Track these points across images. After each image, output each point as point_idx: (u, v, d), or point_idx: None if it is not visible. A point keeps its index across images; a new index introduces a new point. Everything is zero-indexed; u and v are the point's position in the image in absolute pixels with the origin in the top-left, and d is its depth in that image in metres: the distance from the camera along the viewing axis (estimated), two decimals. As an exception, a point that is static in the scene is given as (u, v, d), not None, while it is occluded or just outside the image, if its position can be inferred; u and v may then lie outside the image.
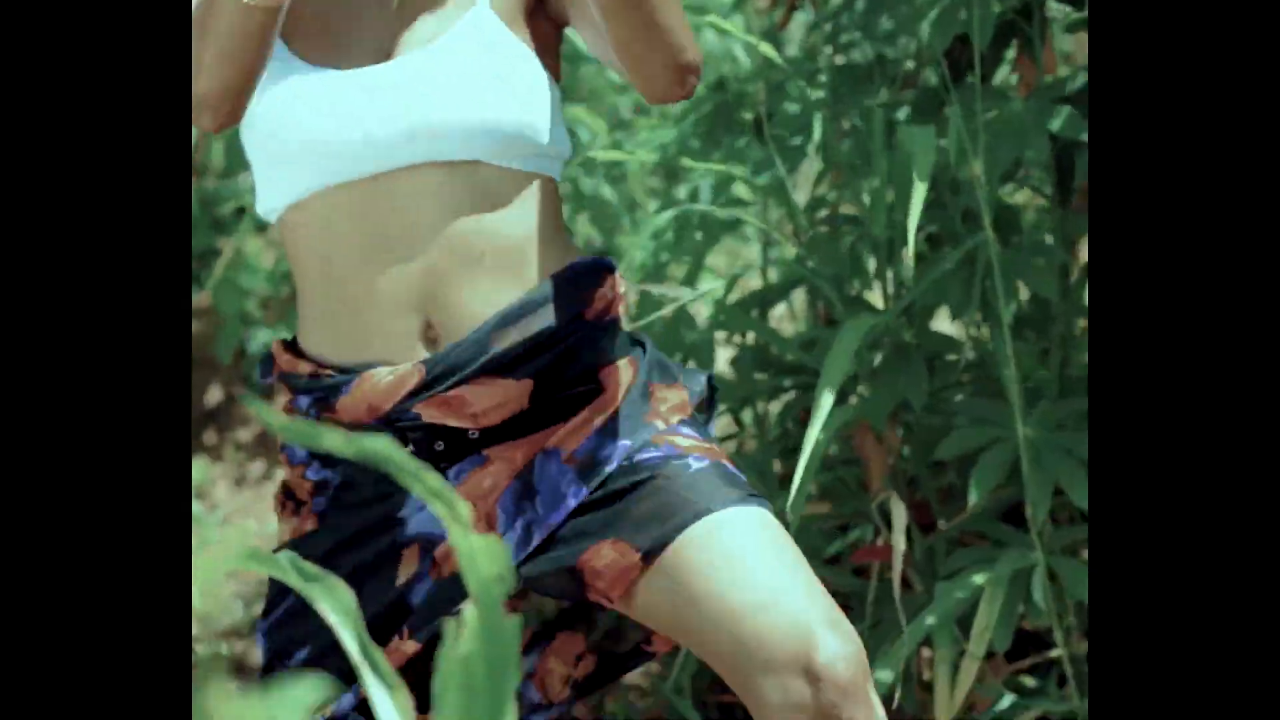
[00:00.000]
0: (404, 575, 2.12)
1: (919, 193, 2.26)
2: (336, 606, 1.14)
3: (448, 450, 2.11)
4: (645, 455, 2.10)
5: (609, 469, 2.09)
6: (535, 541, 2.08)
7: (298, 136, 2.07)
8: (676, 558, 2.03)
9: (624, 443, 2.11)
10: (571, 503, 2.08)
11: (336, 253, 2.10)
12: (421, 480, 1.06)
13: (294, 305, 4.35)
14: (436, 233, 2.07)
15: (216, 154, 4.54)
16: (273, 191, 2.13)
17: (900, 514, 2.55)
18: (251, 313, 4.41)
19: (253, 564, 1.13)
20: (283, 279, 4.40)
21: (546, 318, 2.11)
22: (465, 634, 1.03)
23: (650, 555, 2.04)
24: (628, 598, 2.07)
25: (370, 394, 2.09)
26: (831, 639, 1.96)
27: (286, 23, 2.11)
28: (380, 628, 2.12)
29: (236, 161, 4.54)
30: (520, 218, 2.11)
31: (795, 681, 1.95)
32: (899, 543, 2.51)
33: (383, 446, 1.06)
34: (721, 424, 3.47)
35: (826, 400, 2.34)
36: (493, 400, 2.09)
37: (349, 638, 1.15)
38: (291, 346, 2.20)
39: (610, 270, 2.19)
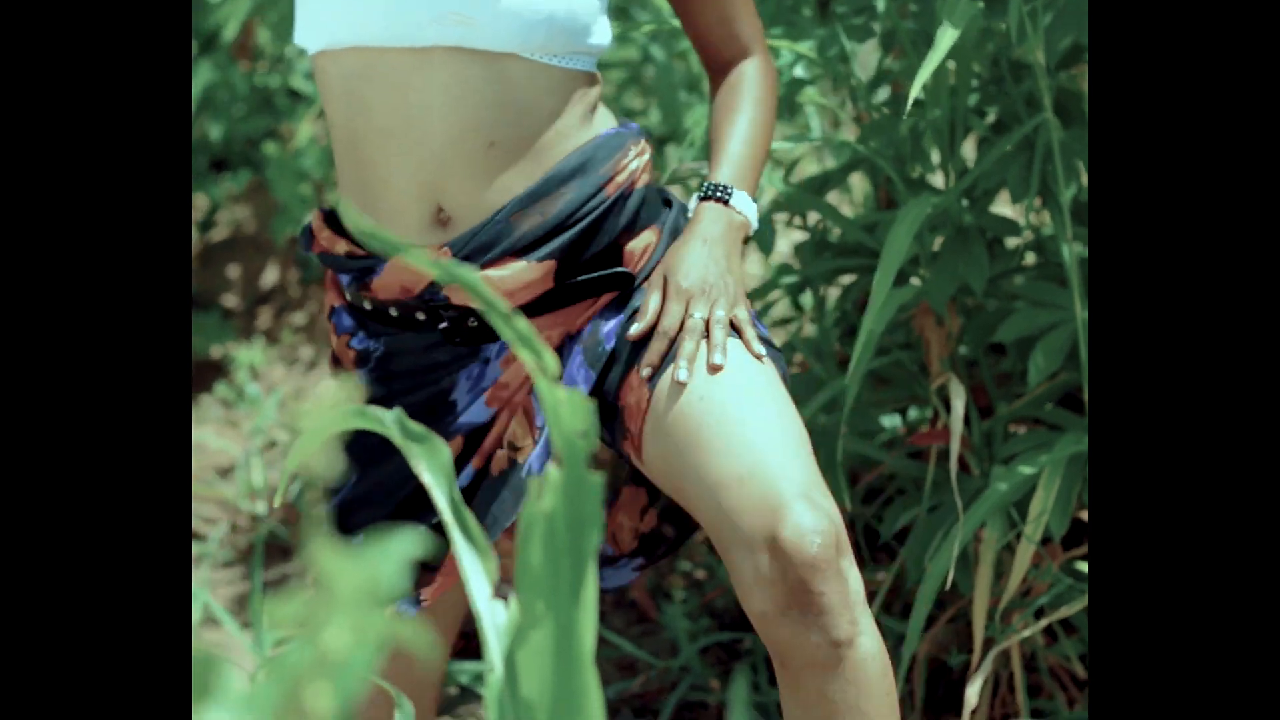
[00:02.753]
0: None
1: (932, 61, 2.28)
2: (434, 465, 1.18)
3: (482, 328, 2.15)
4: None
5: (608, 346, 2.14)
6: None
7: None
8: (672, 405, 2.06)
9: (620, 317, 2.16)
10: (584, 389, 2.12)
11: (358, 120, 2.13)
12: (511, 325, 1.10)
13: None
14: (455, 119, 2.09)
15: (265, 38, 4.56)
16: (307, 29, 2.15)
17: (960, 397, 2.59)
18: (306, 195, 4.46)
19: (360, 421, 1.17)
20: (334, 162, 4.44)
21: (567, 197, 2.14)
22: (549, 490, 1.06)
23: (654, 380, 2.08)
24: (639, 450, 2.10)
25: (401, 275, 2.13)
26: (801, 513, 1.94)
27: None
28: (422, 510, 2.18)
29: (286, 47, 4.56)
30: (545, 113, 2.13)
31: (763, 556, 1.94)
32: (957, 426, 2.55)
33: (475, 278, 1.09)
34: (780, 308, 3.52)
35: (885, 281, 2.37)
36: (516, 282, 2.12)
37: (442, 497, 1.19)
38: (331, 219, 2.24)
39: (635, 137, 2.22)
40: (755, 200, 2.24)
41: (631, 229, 2.19)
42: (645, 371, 2.08)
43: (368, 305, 2.19)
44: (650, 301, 2.13)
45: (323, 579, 0.88)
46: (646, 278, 2.20)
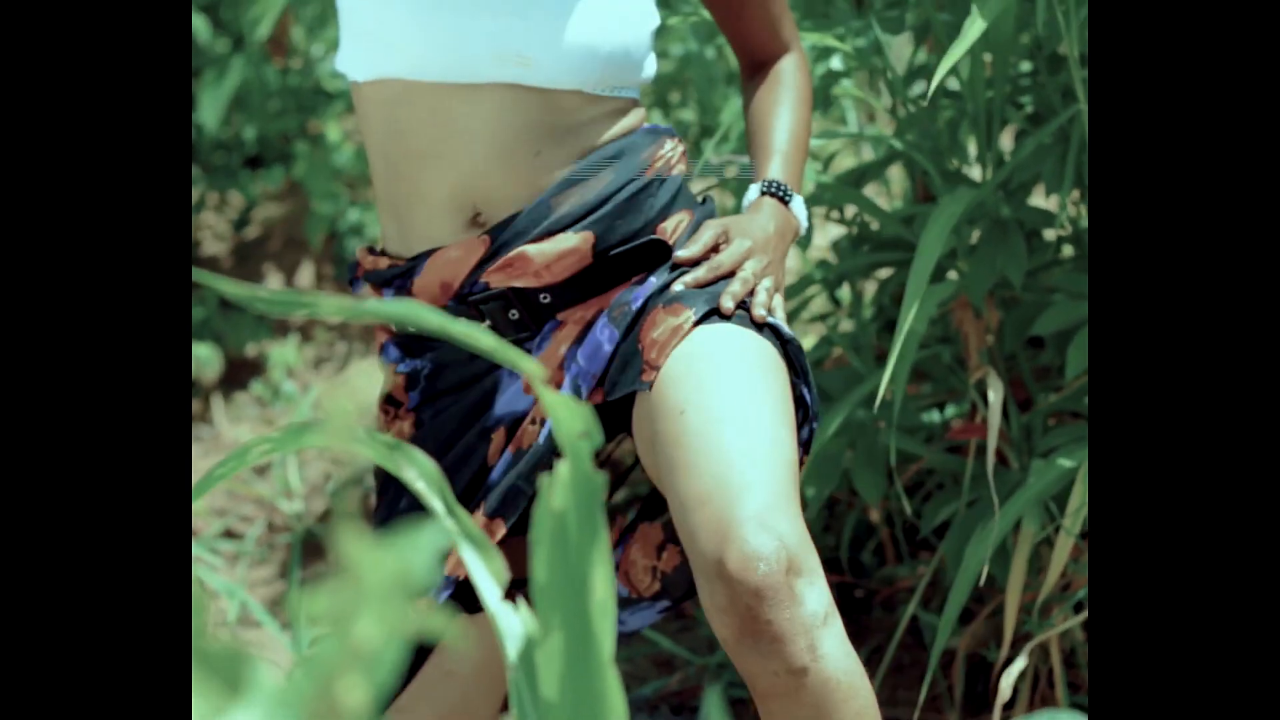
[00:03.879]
0: (493, 456, 2.18)
1: (959, 49, 2.29)
2: (421, 472, 1.18)
3: (524, 319, 2.17)
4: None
5: (635, 306, 2.13)
6: (584, 394, 2.11)
7: (382, 24, 2.12)
8: (655, 405, 2.04)
9: (652, 280, 2.16)
10: (607, 348, 2.12)
11: (394, 143, 2.16)
12: (504, 348, 1.11)
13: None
14: (505, 139, 2.13)
15: (299, 36, 4.59)
16: (355, 59, 2.18)
17: (997, 391, 2.59)
18: (339, 193, 4.48)
19: (334, 438, 1.18)
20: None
21: (606, 180, 2.17)
22: (557, 489, 1.08)
23: (699, 321, 2.08)
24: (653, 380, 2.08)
25: (442, 270, 2.16)
26: (747, 537, 1.87)
27: None
28: (470, 508, 2.18)
29: (318, 43, 4.58)
30: (592, 133, 2.18)
31: (716, 583, 1.88)
32: (994, 420, 2.55)
33: (412, 309, 1.11)
34: (818, 302, 3.52)
35: (922, 275, 2.38)
36: (554, 252, 2.14)
37: (434, 499, 1.20)
38: (372, 249, 2.28)
39: (669, 135, 2.26)
40: (805, 224, 2.31)
41: (666, 212, 2.21)
42: (682, 254, 2.14)
43: (411, 327, 2.21)
44: (707, 232, 2.18)
45: (352, 570, 0.89)
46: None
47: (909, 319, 2.36)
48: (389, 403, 2.29)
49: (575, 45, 2.11)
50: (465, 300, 2.16)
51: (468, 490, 2.18)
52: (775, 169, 2.28)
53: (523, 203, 2.14)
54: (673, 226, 2.21)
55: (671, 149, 2.24)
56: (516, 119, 2.12)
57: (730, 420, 1.97)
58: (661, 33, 3.82)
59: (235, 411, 4.27)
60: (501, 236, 2.14)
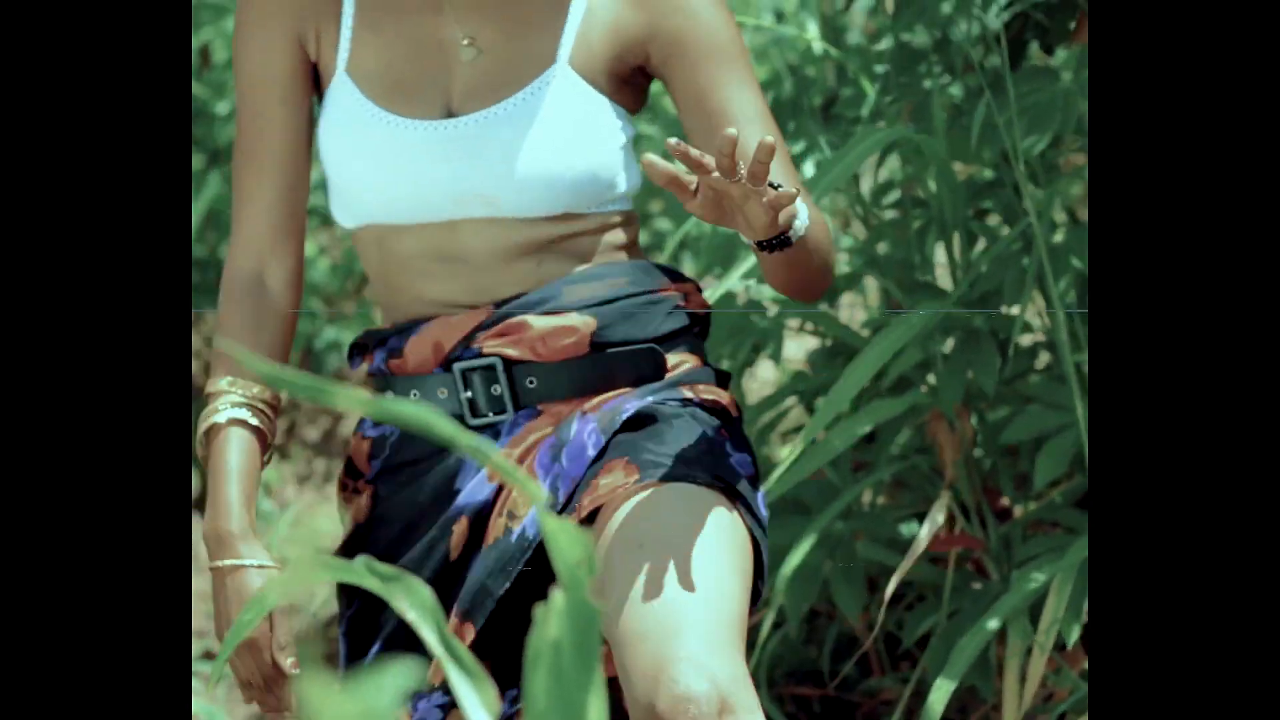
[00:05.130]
0: (455, 549, 2.17)
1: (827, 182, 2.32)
2: (415, 603, 1.19)
3: (505, 397, 2.18)
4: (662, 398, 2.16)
5: (625, 415, 2.12)
6: (561, 496, 2.10)
7: (355, 179, 2.15)
8: (611, 534, 2.02)
9: (649, 398, 2.15)
10: (591, 453, 2.12)
11: (394, 276, 2.20)
12: (509, 469, 1.11)
13: (358, 304, 4.44)
14: (495, 260, 2.16)
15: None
16: (340, 209, 2.22)
17: (940, 513, 2.61)
18: (316, 310, 4.49)
19: (330, 573, 1.19)
20: (346, 275, 4.48)
21: (620, 281, 2.19)
22: (553, 619, 1.08)
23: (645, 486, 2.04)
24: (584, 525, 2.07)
25: (439, 332, 2.17)
26: (678, 678, 1.84)
27: (352, 61, 2.17)
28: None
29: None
30: (590, 246, 2.20)
31: None
32: (920, 543, 2.57)
33: (418, 410, 1.11)
34: (794, 415, 3.53)
35: (836, 406, 2.43)
36: (553, 327, 2.15)
37: (430, 634, 1.20)
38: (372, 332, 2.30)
39: (693, 282, 2.27)
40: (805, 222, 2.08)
41: (672, 342, 2.22)
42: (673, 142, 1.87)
43: (390, 396, 2.20)
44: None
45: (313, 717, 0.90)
46: (677, 383, 2.20)
47: (814, 431, 2.41)
48: (349, 473, 2.29)
49: (535, 179, 2.12)
50: (451, 367, 2.18)
51: (429, 578, 2.17)
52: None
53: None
54: (675, 361, 2.22)
55: (693, 289, 2.27)
56: (506, 243, 2.15)
57: (681, 564, 1.96)
58: (638, 142, 3.85)
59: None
60: (506, 307, 2.17)
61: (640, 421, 2.13)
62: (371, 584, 1.25)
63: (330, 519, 4.17)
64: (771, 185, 1.90)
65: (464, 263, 2.16)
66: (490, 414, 2.17)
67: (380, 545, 2.21)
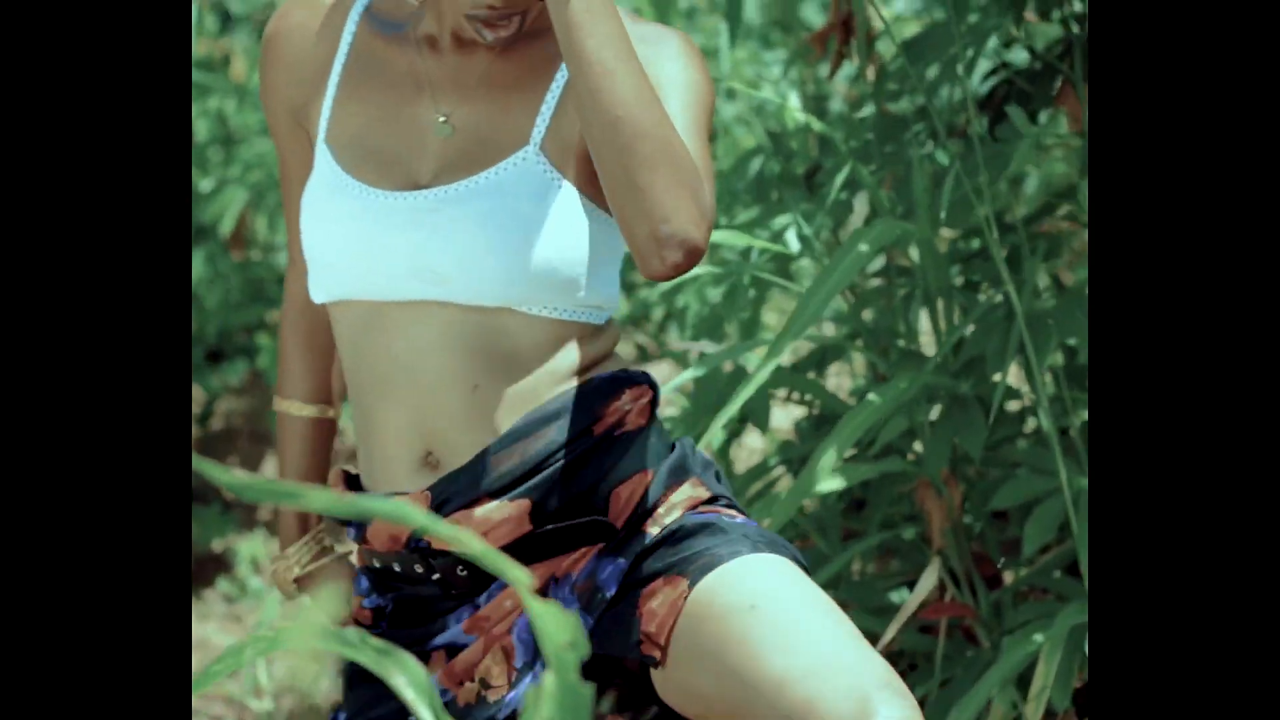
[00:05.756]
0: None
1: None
2: (411, 680, 1.20)
3: (472, 576, 2.15)
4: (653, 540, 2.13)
5: (608, 594, 2.11)
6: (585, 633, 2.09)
7: (321, 243, 2.13)
8: (710, 608, 2.02)
9: (621, 563, 2.12)
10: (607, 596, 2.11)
11: (358, 369, 2.16)
12: (493, 554, 1.12)
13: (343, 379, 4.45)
14: (443, 367, 2.10)
15: (261, 228, 4.63)
16: (315, 285, 2.18)
17: (929, 580, 2.62)
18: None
19: (327, 643, 1.19)
20: (333, 351, 4.49)
21: (547, 438, 2.11)
22: (544, 702, 1.09)
23: (694, 584, 2.04)
24: (664, 666, 2.06)
25: (389, 525, 2.15)
26: (892, 703, 1.90)
27: (331, 130, 2.18)
28: None
29: (279, 235, 4.63)
30: (535, 360, 2.11)
31: None
32: (907, 609, 2.57)
33: (391, 505, 1.11)
34: (782, 484, 3.54)
35: (827, 465, 2.43)
36: (489, 522, 2.11)
37: (424, 710, 1.21)
38: (350, 481, 2.27)
39: (631, 383, 2.17)
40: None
41: (618, 472, 2.16)
42: None
43: (376, 563, 2.21)
44: None
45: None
46: (632, 523, 2.16)
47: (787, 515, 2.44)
48: (357, 624, 2.29)
49: (489, 260, 2.05)
50: (415, 550, 2.15)
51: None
52: None
53: (468, 449, 2.11)
54: (628, 493, 2.15)
55: (630, 400, 2.16)
56: (452, 343, 2.09)
57: (801, 606, 2.01)
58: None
59: (202, 608, 4.26)
60: (441, 493, 2.11)
61: (645, 553, 2.13)
62: (366, 657, 1.26)
63: (328, 593, 4.16)
64: None
65: (408, 375, 2.10)
66: (463, 589, 2.16)
67: (364, 700, 2.21)
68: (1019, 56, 3.34)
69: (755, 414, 2.88)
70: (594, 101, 1.95)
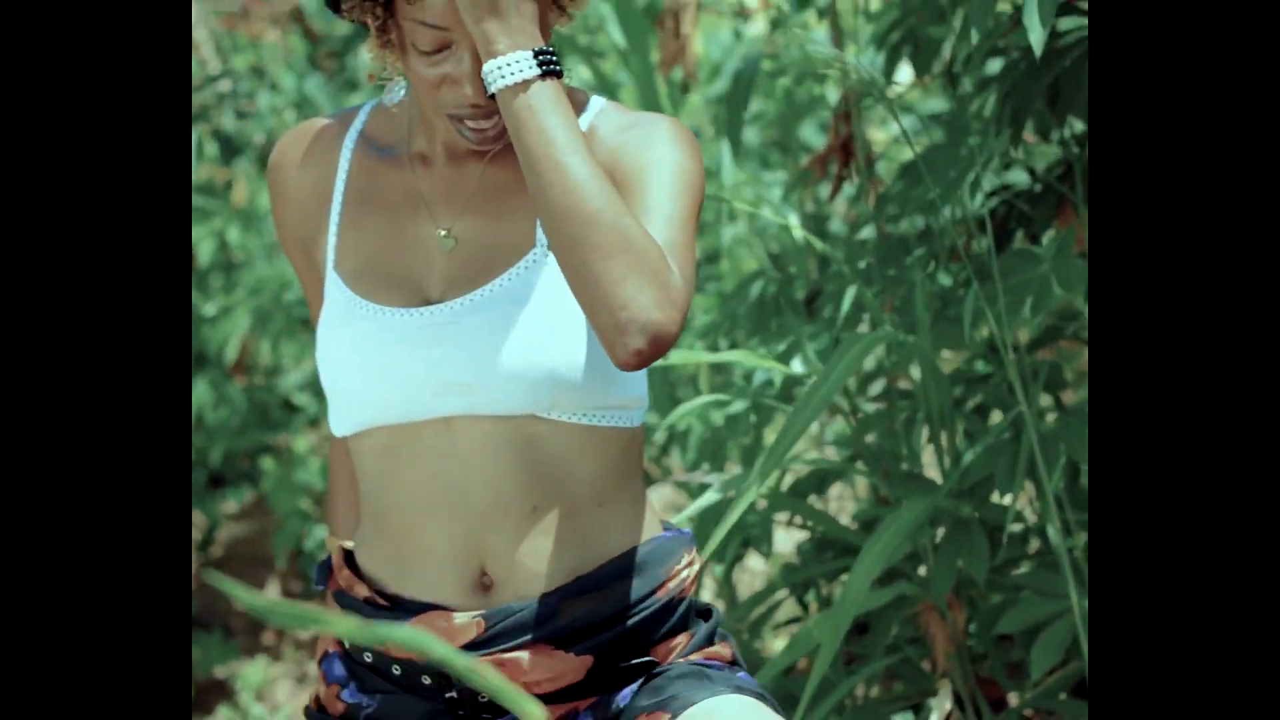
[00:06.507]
0: None
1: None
2: None
3: (491, 701, 2.13)
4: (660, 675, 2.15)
5: (621, 704, 2.12)
6: None
7: (342, 371, 2.12)
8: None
9: (634, 686, 2.14)
10: None
11: (389, 493, 2.13)
12: (507, 689, 1.12)
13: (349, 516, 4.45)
14: (487, 484, 2.09)
15: (264, 352, 4.65)
16: (337, 418, 2.17)
17: (938, 706, 2.61)
18: (306, 509, 4.50)
19: None
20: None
21: (620, 595, 2.12)
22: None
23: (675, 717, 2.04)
24: None
25: (419, 633, 2.11)
26: None
27: (339, 259, 2.18)
28: None
29: (283, 360, 4.64)
30: (580, 473, 2.11)
31: None
32: None
33: (413, 634, 1.11)
34: (786, 608, 3.54)
35: (856, 595, 2.43)
36: (549, 673, 2.10)
37: None
38: (351, 559, 2.23)
39: (688, 544, 2.20)
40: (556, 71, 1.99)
41: (669, 633, 2.17)
42: None
43: (368, 657, 2.18)
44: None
45: None
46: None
47: (828, 662, 2.40)
48: (320, 711, 2.24)
49: (510, 366, 2.04)
50: (441, 670, 2.13)
51: None
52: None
53: (527, 573, 2.10)
54: (665, 651, 2.16)
55: (687, 566, 2.18)
56: (493, 458, 2.08)
57: None
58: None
59: (204, 736, 4.24)
60: (499, 625, 2.09)
61: (640, 688, 2.13)
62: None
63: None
64: None
65: (459, 497, 2.08)
66: (471, 713, 2.14)
67: None
68: (1019, 177, 3.36)
69: (757, 538, 2.88)
70: (543, 194, 1.95)
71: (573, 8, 2.08)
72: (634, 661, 2.13)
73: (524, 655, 2.09)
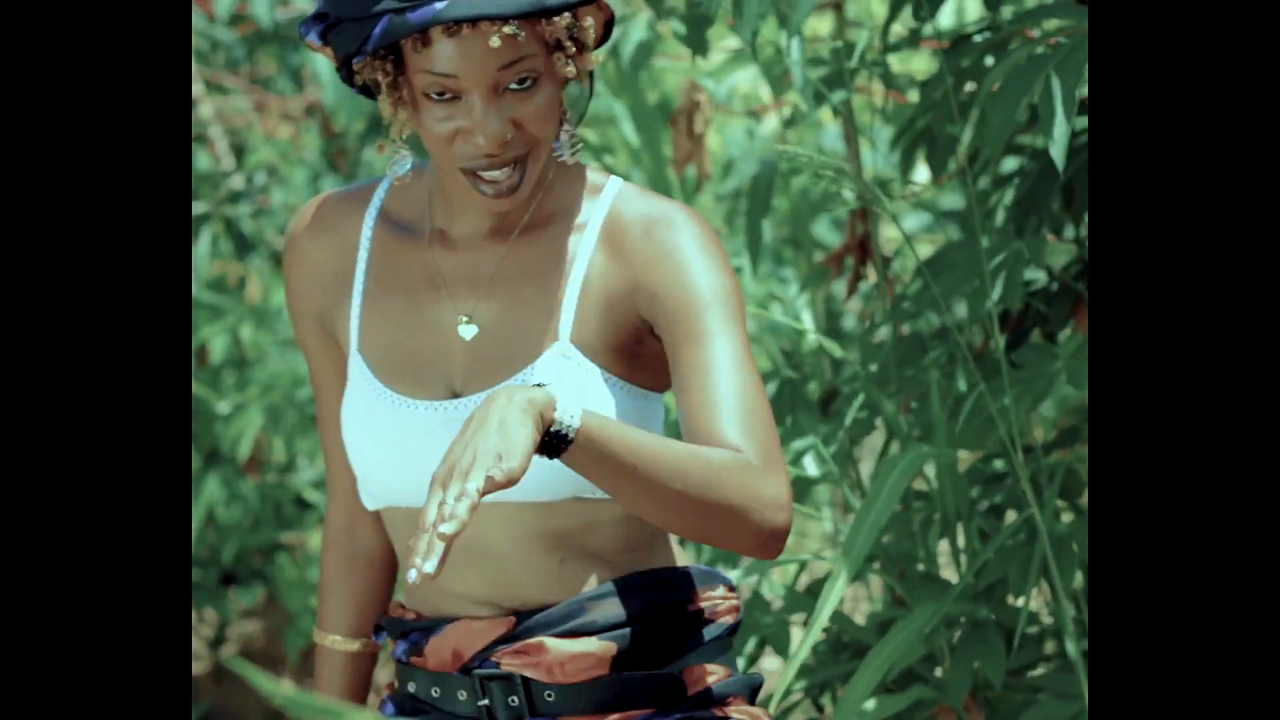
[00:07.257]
0: None
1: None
2: None
3: (522, 708, 2.14)
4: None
5: None
6: None
7: (367, 459, 2.14)
8: None
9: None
10: None
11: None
12: None
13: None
14: (521, 548, 2.12)
15: (278, 449, 4.64)
16: (365, 494, 2.19)
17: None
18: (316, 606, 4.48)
19: None
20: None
21: (643, 596, 2.14)
22: None
23: None
24: None
25: (459, 638, 2.14)
26: None
27: (363, 342, 2.18)
28: None
29: (296, 457, 4.63)
30: (607, 537, 2.14)
31: None
32: None
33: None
34: (802, 710, 3.51)
35: (856, 700, 2.43)
36: (571, 652, 2.11)
37: None
38: (404, 604, 2.27)
39: (726, 583, 2.20)
40: (576, 423, 1.92)
41: (696, 654, 2.17)
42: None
43: (412, 687, 2.20)
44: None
45: None
46: (685, 704, 2.16)
47: None
48: None
49: (537, 460, 1.98)
50: (470, 672, 2.15)
51: None
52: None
53: (558, 600, 2.13)
54: (698, 676, 2.16)
55: (722, 596, 2.19)
56: (520, 533, 2.11)
57: None
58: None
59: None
60: (527, 622, 2.13)
61: None
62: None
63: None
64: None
65: (484, 553, 2.13)
66: None
67: None
68: (1035, 275, 3.36)
69: (774, 638, 2.86)
70: (638, 507, 1.97)
71: (579, 64, 2.07)
72: (660, 671, 2.14)
73: (545, 639, 2.12)
